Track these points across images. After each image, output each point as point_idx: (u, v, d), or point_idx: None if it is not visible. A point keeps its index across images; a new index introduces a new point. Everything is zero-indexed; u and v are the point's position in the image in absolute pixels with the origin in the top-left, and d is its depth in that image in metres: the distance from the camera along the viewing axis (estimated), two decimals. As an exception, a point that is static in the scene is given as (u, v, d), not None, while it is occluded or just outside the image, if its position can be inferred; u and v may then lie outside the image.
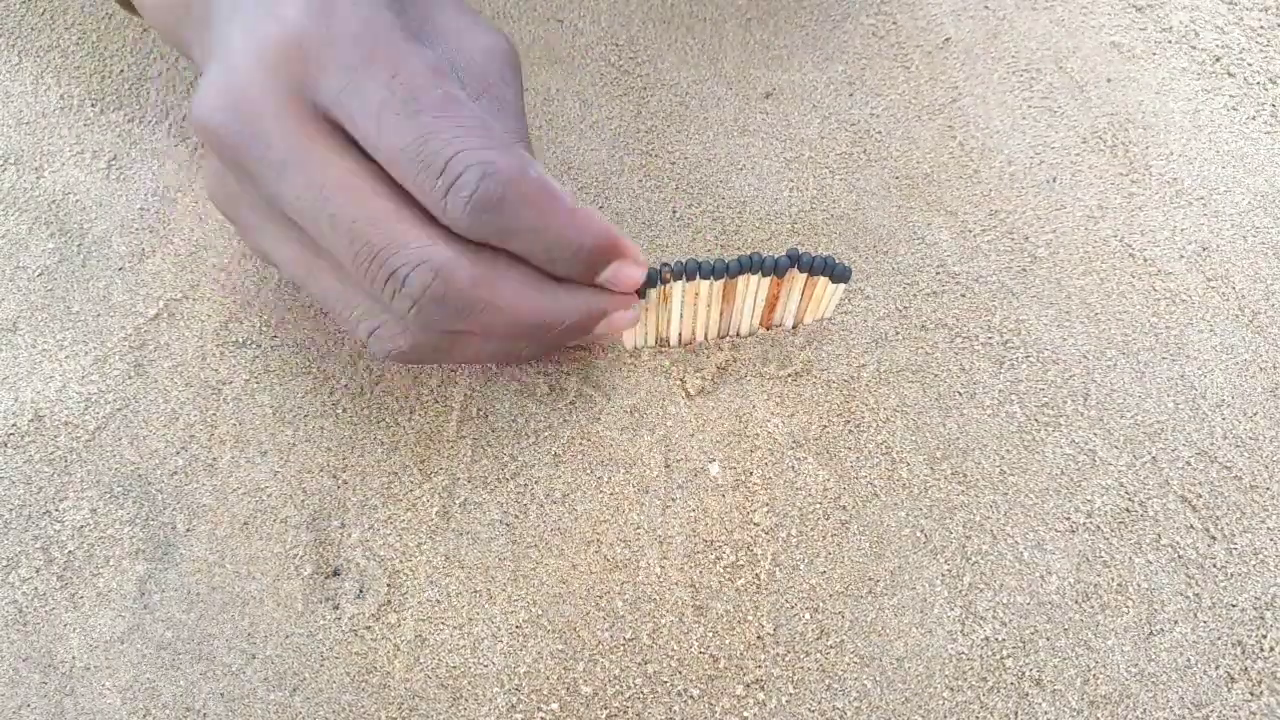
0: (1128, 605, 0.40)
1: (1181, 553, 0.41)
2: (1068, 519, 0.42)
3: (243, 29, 0.33)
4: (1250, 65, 0.61)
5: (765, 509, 0.42)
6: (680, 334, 0.46)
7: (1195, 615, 0.40)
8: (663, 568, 0.40)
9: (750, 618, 0.39)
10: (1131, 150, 0.56)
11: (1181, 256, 0.51)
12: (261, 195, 0.35)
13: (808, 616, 0.39)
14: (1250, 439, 0.45)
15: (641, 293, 0.41)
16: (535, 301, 0.36)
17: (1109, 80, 0.60)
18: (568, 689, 0.37)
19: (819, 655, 0.38)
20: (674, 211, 0.52)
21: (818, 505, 0.42)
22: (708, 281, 0.42)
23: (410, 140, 0.32)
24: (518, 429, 0.44)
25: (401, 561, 0.40)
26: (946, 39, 0.62)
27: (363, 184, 0.33)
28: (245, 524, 0.41)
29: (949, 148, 0.56)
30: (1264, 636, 0.39)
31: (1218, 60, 0.61)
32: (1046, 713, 0.37)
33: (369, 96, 0.32)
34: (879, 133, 0.57)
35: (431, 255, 0.33)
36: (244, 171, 0.34)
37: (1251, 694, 0.38)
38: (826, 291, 0.45)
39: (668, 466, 0.43)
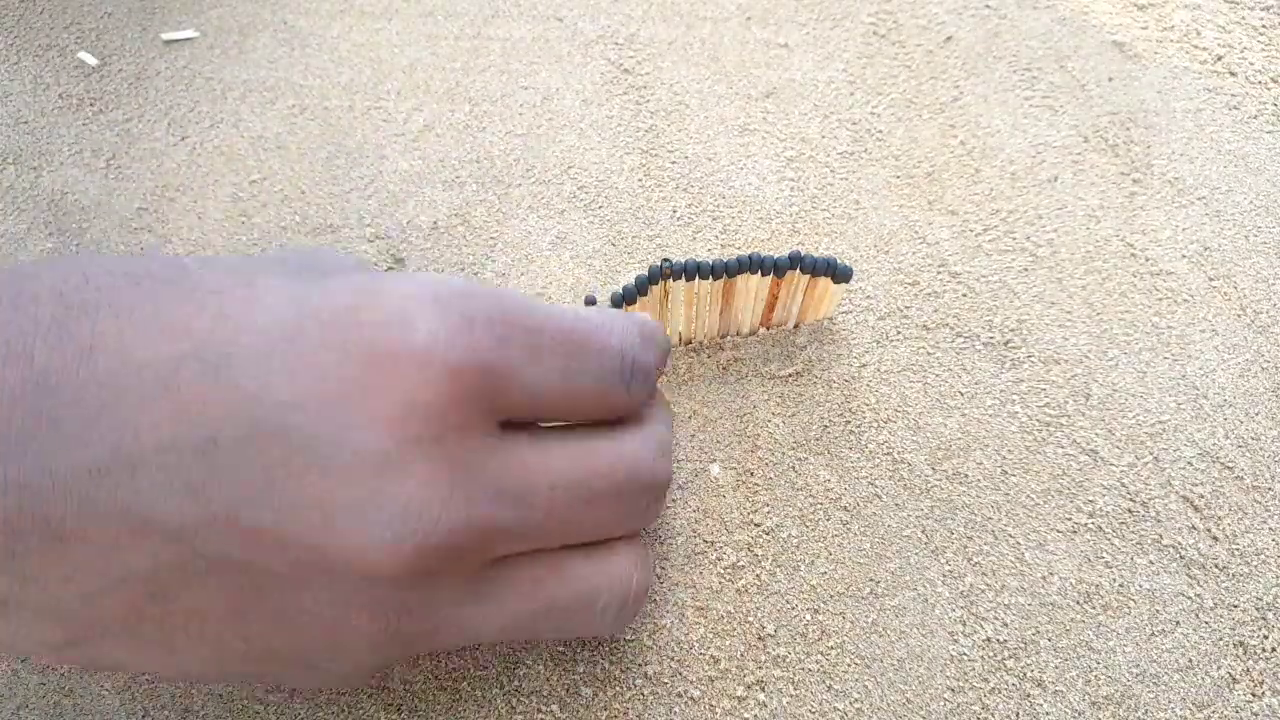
0: (1130, 606, 0.40)
1: (1184, 553, 0.41)
2: (1069, 519, 0.42)
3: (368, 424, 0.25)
4: (1252, 64, 0.61)
5: (766, 509, 0.42)
6: (680, 334, 0.46)
7: (1197, 616, 0.40)
8: (663, 568, 0.40)
9: (751, 618, 0.39)
10: (1133, 149, 0.56)
11: (1183, 256, 0.51)
12: (483, 559, 0.29)
13: (808, 617, 0.39)
14: (1252, 439, 0.45)
15: (643, 290, 0.41)
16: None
17: (1110, 79, 0.60)
18: (568, 689, 0.37)
19: (820, 656, 0.38)
20: (674, 211, 0.52)
21: (819, 505, 0.42)
22: (708, 281, 0.42)
23: (595, 375, 0.30)
24: (518, 429, 0.44)
25: (401, 562, 0.40)
26: (948, 38, 0.62)
27: (578, 441, 0.31)
28: (244, 524, 0.41)
29: (950, 147, 0.56)
30: (1266, 637, 0.39)
31: (1219, 59, 0.61)
32: (1048, 713, 0.37)
33: (551, 368, 0.29)
34: (880, 132, 0.56)
35: (654, 436, 0.33)
36: (474, 551, 0.28)
37: (1253, 694, 0.38)
38: (828, 292, 0.45)
39: (668, 467, 0.43)
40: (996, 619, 0.39)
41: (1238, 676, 0.38)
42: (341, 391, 0.25)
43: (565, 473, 0.29)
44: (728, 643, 0.38)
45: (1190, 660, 0.39)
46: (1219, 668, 0.38)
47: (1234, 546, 0.41)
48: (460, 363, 0.26)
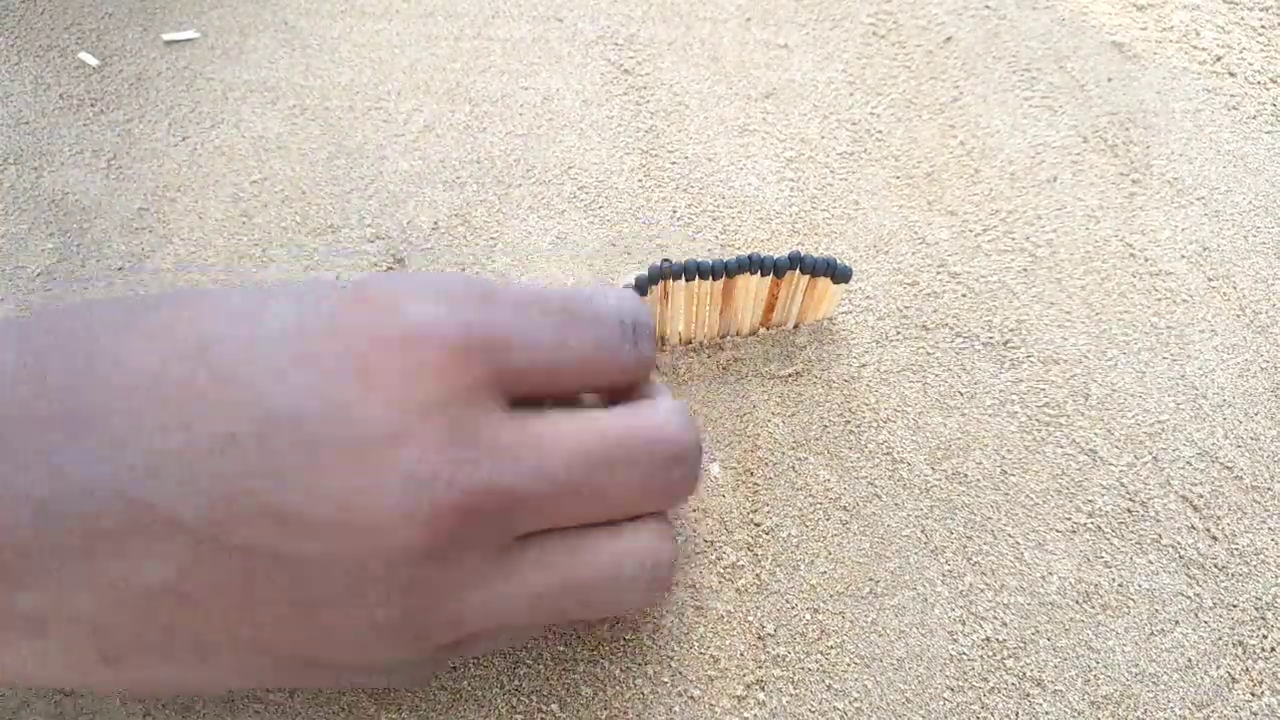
0: (1129, 605, 0.40)
1: (1183, 553, 0.41)
2: (1069, 519, 0.42)
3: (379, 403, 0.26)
4: (1251, 65, 0.61)
5: (766, 509, 0.42)
6: (680, 334, 0.46)
7: (1196, 615, 0.40)
8: (663, 568, 0.40)
9: (751, 618, 0.39)
10: (1132, 150, 0.56)
11: (1183, 256, 0.51)
12: (504, 533, 0.29)
13: (808, 617, 0.39)
14: (1252, 439, 0.45)
15: (643, 290, 0.41)
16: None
17: (1110, 79, 0.60)
18: (568, 689, 0.37)
19: (819, 656, 0.38)
20: (674, 211, 0.52)
21: (818, 505, 0.42)
22: (707, 281, 0.42)
23: (593, 339, 0.30)
24: (518, 429, 0.44)
25: (401, 562, 0.40)
26: (947, 38, 0.62)
27: (588, 415, 0.30)
28: (245, 524, 0.41)
29: (950, 147, 0.56)
30: (1265, 637, 0.39)
31: (1219, 59, 0.61)
32: (1048, 713, 0.37)
33: (544, 332, 0.29)
34: (880, 132, 0.56)
35: (671, 405, 0.32)
36: (500, 511, 0.28)
37: (1253, 694, 0.38)
38: (827, 292, 0.45)
39: (668, 466, 0.43)
40: (996, 618, 0.39)
41: (1237, 676, 0.38)
42: (346, 376, 0.26)
43: (581, 442, 0.29)
44: (727, 642, 0.39)
45: (1189, 660, 0.39)
46: (1218, 667, 0.38)
47: (1233, 546, 0.42)
48: (454, 334, 0.27)
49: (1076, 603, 0.40)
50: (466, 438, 0.26)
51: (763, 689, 0.38)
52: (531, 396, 0.30)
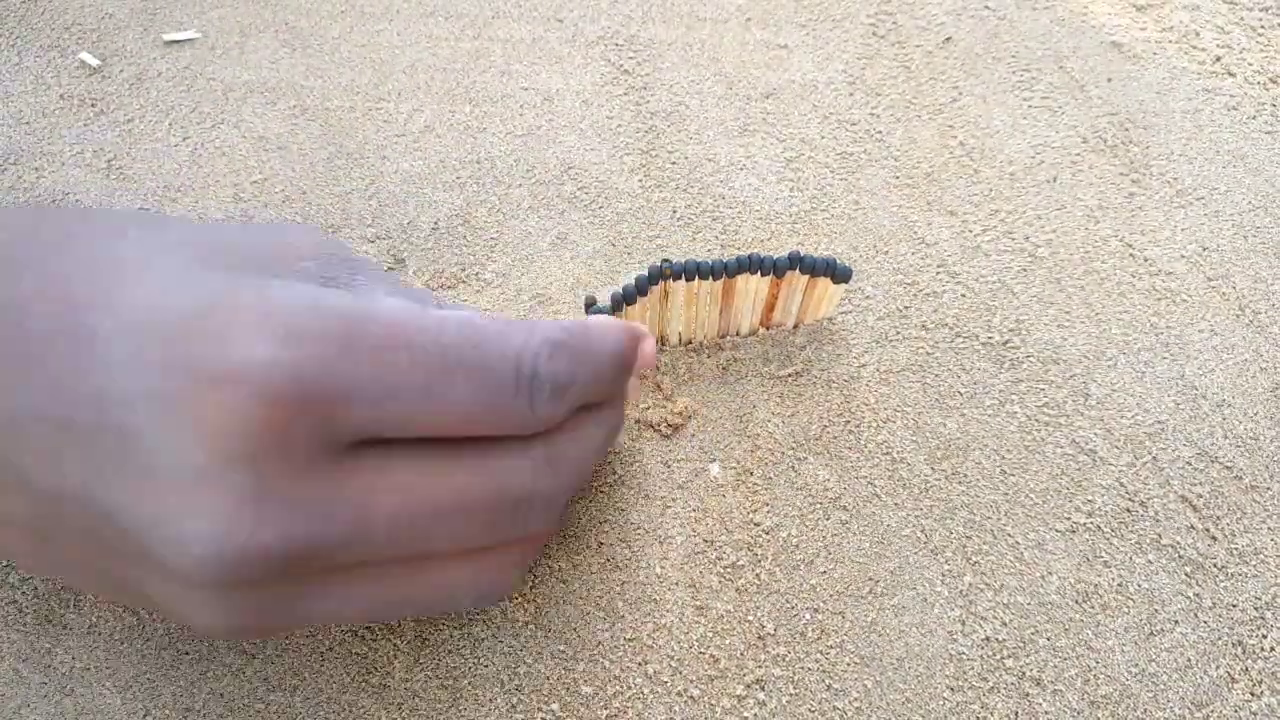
0: (1128, 605, 0.40)
1: (1182, 553, 0.41)
2: (1068, 519, 0.42)
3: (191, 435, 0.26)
4: (1251, 65, 0.61)
5: (766, 509, 0.42)
6: (680, 334, 0.46)
7: (1196, 615, 0.40)
8: (663, 568, 0.40)
9: (751, 618, 0.39)
10: (1132, 150, 0.56)
11: (1182, 256, 0.51)
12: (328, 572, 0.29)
13: (808, 616, 0.39)
14: (1251, 439, 0.45)
15: (643, 290, 0.41)
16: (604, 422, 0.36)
17: (1109, 80, 0.60)
18: (568, 689, 0.37)
19: (819, 655, 0.38)
20: (674, 211, 0.52)
21: (818, 505, 0.42)
22: (707, 281, 0.42)
23: (473, 392, 0.29)
24: (518, 429, 0.44)
25: (401, 561, 0.40)
26: (947, 39, 0.62)
27: (432, 474, 0.29)
28: (245, 524, 0.41)
29: (949, 147, 0.56)
30: (1264, 636, 0.39)
31: (1218, 60, 0.61)
32: (1047, 712, 0.37)
33: (407, 384, 0.28)
34: (879, 133, 0.57)
35: (532, 455, 0.31)
36: (307, 566, 0.28)
37: (1252, 694, 0.38)
38: (827, 292, 0.45)
39: (668, 466, 0.43)
40: (995, 618, 0.39)
41: (1236, 676, 0.38)
42: (168, 402, 0.26)
43: (410, 492, 0.28)
44: (728, 642, 0.39)
45: (1189, 660, 0.39)
46: (1217, 667, 0.39)
47: (1232, 546, 0.42)
48: (276, 384, 0.25)
49: (1076, 602, 0.40)
50: (274, 494, 0.26)
51: (763, 689, 0.38)
52: (397, 437, 0.28)
